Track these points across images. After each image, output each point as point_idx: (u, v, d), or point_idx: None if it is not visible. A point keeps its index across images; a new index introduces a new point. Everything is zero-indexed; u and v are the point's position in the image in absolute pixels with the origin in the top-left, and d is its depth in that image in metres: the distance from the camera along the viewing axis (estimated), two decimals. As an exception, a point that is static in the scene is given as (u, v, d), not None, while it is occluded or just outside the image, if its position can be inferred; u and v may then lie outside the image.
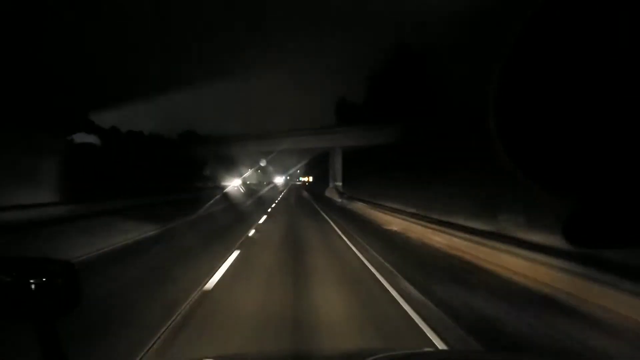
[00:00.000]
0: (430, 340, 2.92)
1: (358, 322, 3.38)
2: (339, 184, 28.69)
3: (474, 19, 16.39)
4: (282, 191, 48.97)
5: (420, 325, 3.26)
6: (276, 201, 22.35)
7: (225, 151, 36.33)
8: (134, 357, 2.56)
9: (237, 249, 7.00)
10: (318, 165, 55.37)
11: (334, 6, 33.48)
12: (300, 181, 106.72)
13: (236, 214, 15.09)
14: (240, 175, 65.44)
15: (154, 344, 2.79)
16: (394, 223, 11.18)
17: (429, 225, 9.23)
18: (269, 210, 16.72)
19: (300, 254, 6.77)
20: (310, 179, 76.25)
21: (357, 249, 7.31)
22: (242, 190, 41.71)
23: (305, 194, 39.21)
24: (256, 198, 27.39)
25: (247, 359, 1.64)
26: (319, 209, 18.43)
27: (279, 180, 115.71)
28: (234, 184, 53.31)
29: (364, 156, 29.63)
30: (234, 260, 6.06)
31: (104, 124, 35.05)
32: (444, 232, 8.22)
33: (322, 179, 52.03)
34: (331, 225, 11.52)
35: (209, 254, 6.41)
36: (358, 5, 32.02)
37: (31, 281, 0.72)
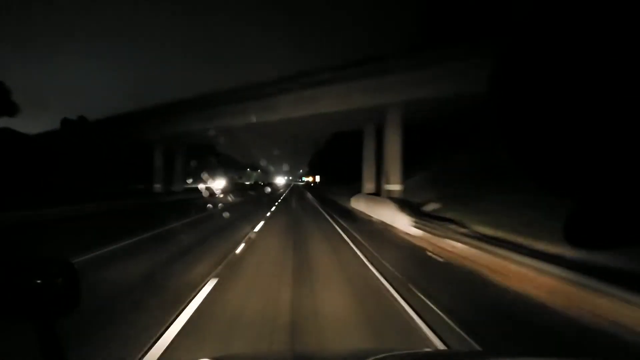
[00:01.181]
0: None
1: None
2: (396, 188, 13.33)
3: None
4: (283, 194, 34.85)
5: None
6: (244, 242, 7.17)
7: (194, 129, 21.31)
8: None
9: None
10: (326, 160, 40.88)
11: None
12: (303, 181, 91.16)
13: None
14: (226, 175, 50.12)
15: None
16: None
17: None
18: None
19: None
20: (317, 178, 58.25)
21: None
22: (215, 196, 26.81)
23: (312, 199, 23.60)
24: (228, 213, 12.49)
25: (247, 359, 1.54)
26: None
27: (280, 180, 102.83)
28: (214, 185, 38.62)
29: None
30: None
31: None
32: None
33: (335, 179, 37.42)
34: None
35: None
36: None
37: (31, 281, 0.72)
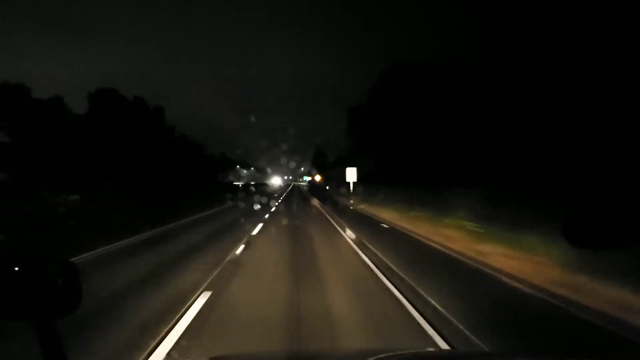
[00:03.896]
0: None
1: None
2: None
3: None
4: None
5: None
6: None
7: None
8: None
9: None
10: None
11: None
12: (305, 181, 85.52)
13: None
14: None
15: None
16: None
17: None
18: None
19: None
20: (351, 174, 23.01)
21: None
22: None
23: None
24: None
25: (247, 359, 1.56)
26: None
27: (277, 181, 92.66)
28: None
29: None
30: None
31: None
32: None
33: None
34: None
35: None
36: None
37: (31, 281, 0.73)
